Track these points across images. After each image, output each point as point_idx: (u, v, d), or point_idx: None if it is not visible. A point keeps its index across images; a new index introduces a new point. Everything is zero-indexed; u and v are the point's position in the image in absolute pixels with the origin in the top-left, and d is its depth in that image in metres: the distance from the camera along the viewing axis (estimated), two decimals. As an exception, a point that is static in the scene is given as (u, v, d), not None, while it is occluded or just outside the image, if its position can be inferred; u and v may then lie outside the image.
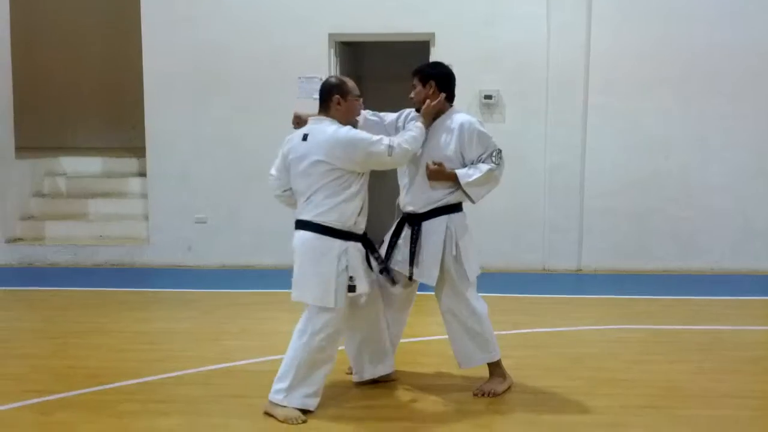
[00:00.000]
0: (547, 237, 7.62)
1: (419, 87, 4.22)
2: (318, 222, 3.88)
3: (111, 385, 4.34)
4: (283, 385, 3.90)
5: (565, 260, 7.60)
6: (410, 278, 4.17)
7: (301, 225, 3.96)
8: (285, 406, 3.89)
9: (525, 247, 7.62)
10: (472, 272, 4.20)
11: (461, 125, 4.12)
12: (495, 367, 4.27)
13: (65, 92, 9.48)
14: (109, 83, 9.36)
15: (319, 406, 3.97)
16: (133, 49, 7.91)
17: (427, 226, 4.12)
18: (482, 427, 3.82)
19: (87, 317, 5.89)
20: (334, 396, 4.17)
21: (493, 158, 4.11)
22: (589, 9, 7.41)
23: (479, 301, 4.24)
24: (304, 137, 3.95)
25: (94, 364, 4.75)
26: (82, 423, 3.84)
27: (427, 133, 4.11)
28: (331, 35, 7.62)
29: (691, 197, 7.53)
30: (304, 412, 3.89)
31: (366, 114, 4.26)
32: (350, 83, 4.08)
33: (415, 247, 4.11)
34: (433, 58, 7.57)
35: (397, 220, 4.27)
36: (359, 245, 3.98)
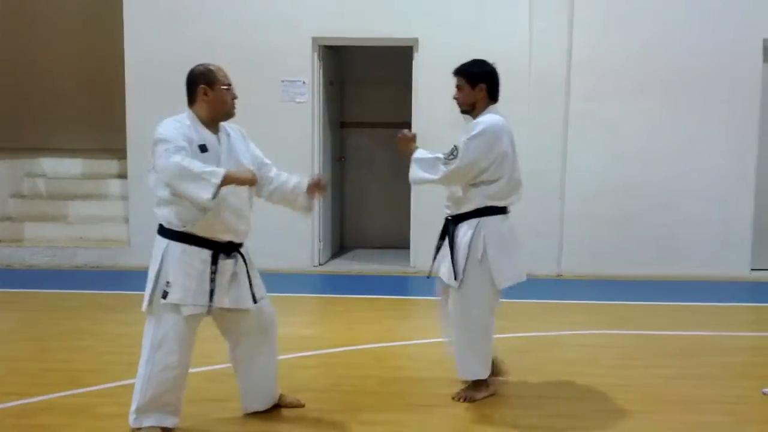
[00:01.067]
0: (527, 242, 7.63)
1: (467, 89, 4.13)
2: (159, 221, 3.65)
3: (91, 388, 4.32)
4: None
5: (545, 266, 7.64)
6: (428, 276, 4.19)
7: None
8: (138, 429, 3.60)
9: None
10: (500, 280, 4.08)
11: (476, 123, 4.07)
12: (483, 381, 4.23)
13: (45, 93, 9.39)
14: (90, 84, 9.29)
15: (298, 409, 3.96)
16: (115, 50, 7.87)
17: (458, 229, 4.10)
18: (463, 430, 3.83)
19: (66, 320, 5.84)
20: (316, 399, 4.17)
21: (451, 153, 4.02)
22: (571, 16, 7.48)
23: (492, 317, 4.16)
24: None
25: (73, 366, 4.72)
26: (62, 426, 3.82)
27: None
28: (314, 39, 7.63)
29: (672, 203, 7.61)
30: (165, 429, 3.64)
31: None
32: (219, 71, 3.68)
33: (451, 249, 4.07)
34: (416, 63, 7.63)
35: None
36: (190, 248, 3.55)
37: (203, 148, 3.57)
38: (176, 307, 3.55)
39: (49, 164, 8.91)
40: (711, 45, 7.46)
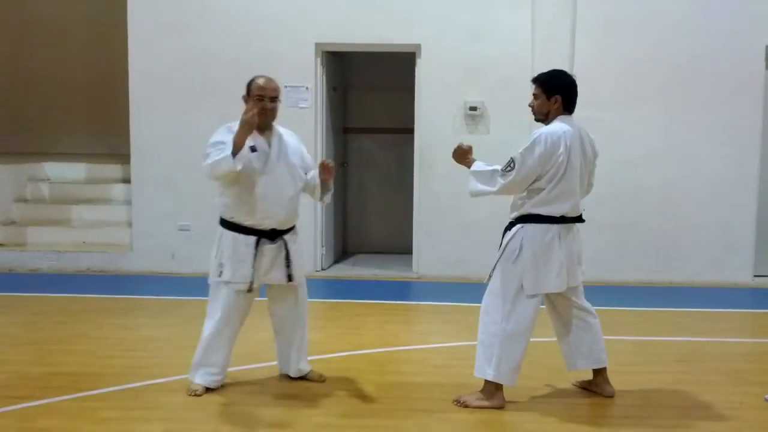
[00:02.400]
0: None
1: (542, 98, 4.19)
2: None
3: (92, 392, 4.32)
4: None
5: (547, 271, 7.64)
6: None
7: None
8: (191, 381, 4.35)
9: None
10: (529, 286, 4.11)
11: (534, 133, 4.12)
12: (490, 386, 4.18)
13: (49, 98, 9.44)
14: (93, 89, 9.33)
15: (300, 413, 3.97)
16: (119, 55, 7.90)
17: (507, 232, 4.23)
18: (464, 436, 3.84)
19: (68, 323, 5.86)
20: (316, 404, 4.18)
21: (508, 165, 4.09)
22: (573, 22, 7.50)
23: (511, 321, 4.12)
24: None
25: (75, 370, 4.73)
26: (63, 430, 3.82)
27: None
28: (317, 45, 7.66)
29: (673, 210, 7.61)
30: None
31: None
32: (257, 83, 4.27)
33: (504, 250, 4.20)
34: (419, 69, 7.65)
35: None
36: (238, 235, 4.21)
37: (253, 149, 4.17)
38: (227, 284, 4.24)
39: (53, 169, 8.93)
40: (713, 51, 7.47)
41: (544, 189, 4.09)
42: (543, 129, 4.11)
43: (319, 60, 7.71)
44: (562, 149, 4.05)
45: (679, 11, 7.48)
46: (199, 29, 7.68)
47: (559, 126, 4.12)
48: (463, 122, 7.60)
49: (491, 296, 4.19)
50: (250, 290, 4.23)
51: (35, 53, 9.44)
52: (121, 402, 4.22)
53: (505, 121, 7.58)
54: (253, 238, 4.21)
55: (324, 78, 7.80)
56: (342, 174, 8.80)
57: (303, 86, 7.60)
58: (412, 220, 7.89)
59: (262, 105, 4.20)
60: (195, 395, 4.26)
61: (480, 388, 4.23)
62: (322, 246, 7.96)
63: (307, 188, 4.46)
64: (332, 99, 8.16)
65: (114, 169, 8.82)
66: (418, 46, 7.62)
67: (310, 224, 7.57)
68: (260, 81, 4.27)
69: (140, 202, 7.83)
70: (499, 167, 4.14)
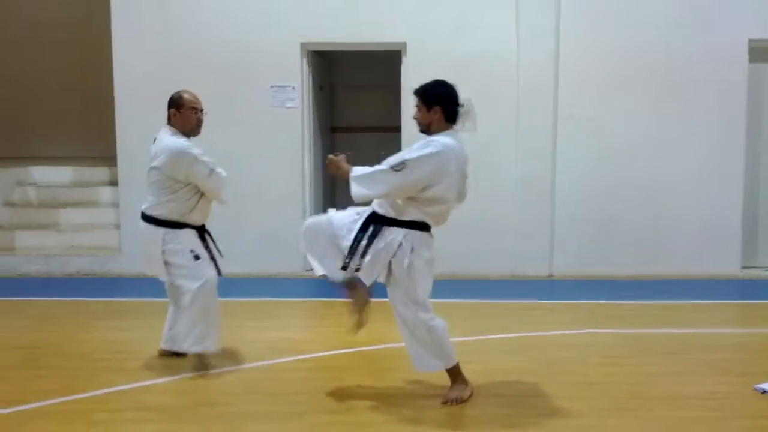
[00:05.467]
0: (518, 244, 7.72)
1: (423, 110, 4.18)
2: (148, 214, 4.76)
3: (84, 395, 4.33)
4: None
5: (536, 267, 7.70)
6: (343, 267, 4.15)
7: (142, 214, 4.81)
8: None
9: (496, 253, 7.71)
10: (423, 292, 4.17)
11: (430, 140, 4.11)
12: (455, 374, 4.29)
13: (34, 102, 9.40)
14: (79, 92, 9.29)
15: (292, 412, 4.00)
16: (104, 57, 7.89)
17: (386, 231, 4.12)
18: (453, 429, 3.88)
19: (58, 327, 5.86)
20: (304, 402, 4.21)
21: (399, 164, 4.04)
22: (558, 18, 7.55)
23: (432, 318, 4.20)
24: (155, 140, 4.80)
25: (66, 373, 4.74)
26: (55, 433, 3.84)
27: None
28: (303, 44, 7.67)
29: (661, 203, 7.68)
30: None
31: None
32: (187, 97, 4.75)
33: (370, 244, 4.11)
34: (404, 67, 7.69)
35: (365, 216, 4.23)
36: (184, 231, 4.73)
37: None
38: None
39: (40, 173, 8.91)
40: (697, 46, 7.53)
41: (437, 203, 4.11)
42: (440, 140, 4.09)
43: (305, 59, 7.72)
44: (453, 165, 4.09)
45: (662, 5, 7.54)
46: (184, 31, 7.68)
47: (451, 141, 4.13)
48: (449, 120, 7.62)
49: (406, 306, 4.15)
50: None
51: (20, 58, 9.40)
52: (114, 404, 4.24)
53: (492, 118, 7.63)
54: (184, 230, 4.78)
55: (310, 77, 7.81)
56: (329, 173, 8.80)
57: (289, 86, 7.62)
58: (400, 218, 7.91)
59: (198, 117, 4.76)
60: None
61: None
62: (311, 245, 7.96)
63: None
64: (319, 98, 8.18)
65: (101, 172, 8.80)
66: (404, 44, 7.65)
67: (299, 224, 7.57)
68: (187, 96, 4.77)
69: (128, 204, 7.81)
70: (386, 167, 4.08)
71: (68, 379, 4.62)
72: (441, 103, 4.15)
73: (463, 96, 7.41)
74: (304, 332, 5.74)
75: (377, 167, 4.12)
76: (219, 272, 4.80)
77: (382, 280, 4.19)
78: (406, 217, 4.12)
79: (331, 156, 4.24)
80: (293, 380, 4.61)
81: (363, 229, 4.17)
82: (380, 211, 4.19)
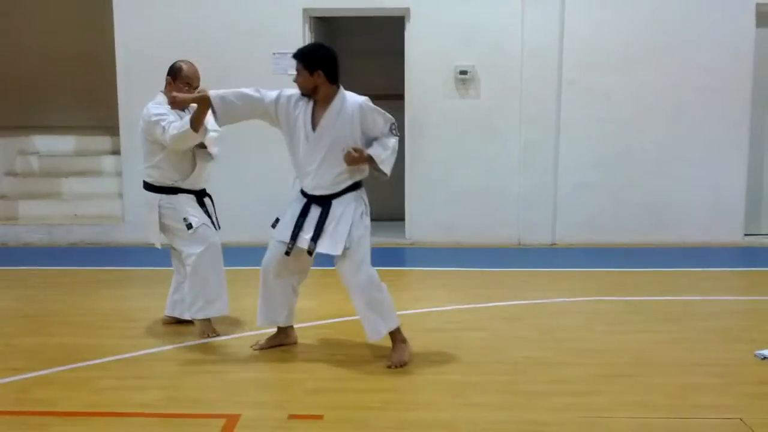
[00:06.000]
0: (521, 212, 7.69)
1: (305, 74, 4.19)
2: (145, 181, 4.79)
3: (88, 363, 4.34)
4: None
5: (539, 234, 7.68)
6: (310, 253, 4.22)
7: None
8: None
9: (500, 221, 7.69)
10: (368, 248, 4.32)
11: (360, 107, 4.20)
12: (396, 334, 4.35)
13: (36, 71, 9.35)
14: (80, 62, 9.23)
15: (293, 378, 4.00)
16: (106, 26, 7.82)
17: (337, 203, 4.22)
18: (456, 396, 3.87)
19: (62, 296, 5.87)
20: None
21: (393, 131, 4.26)
22: (563, -16, 7.44)
23: (375, 270, 4.31)
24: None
25: (70, 341, 4.75)
26: (60, 400, 3.85)
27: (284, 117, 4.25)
28: (305, 10, 7.58)
29: (664, 171, 7.63)
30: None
31: (247, 90, 4.25)
32: (185, 70, 4.71)
33: (323, 225, 4.19)
34: (408, 34, 7.60)
35: (303, 202, 4.30)
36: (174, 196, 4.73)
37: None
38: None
39: (42, 142, 8.88)
40: (704, 11, 7.43)
41: None
42: (360, 99, 4.26)
43: (307, 26, 7.64)
44: None
45: (669, -29, 7.43)
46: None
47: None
48: (453, 87, 7.56)
49: (365, 267, 4.23)
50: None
51: (21, 28, 9.34)
52: (118, 371, 4.25)
53: (496, 85, 7.56)
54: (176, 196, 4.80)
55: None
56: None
57: (291, 53, 7.50)
58: (404, 187, 7.89)
59: (188, 91, 4.58)
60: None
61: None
62: (315, 214, 7.94)
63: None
64: (321, 66, 8.08)
65: (103, 141, 8.76)
66: (407, 9, 7.55)
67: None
68: (186, 69, 4.73)
69: (131, 173, 7.75)
70: (391, 140, 4.26)
71: (72, 347, 4.64)
72: (322, 66, 4.19)
73: (466, 63, 7.50)
74: (307, 300, 5.72)
75: (388, 141, 4.25)
76: None
77: (338, 252, 4.18)
78: (351, 182, 4.26)
79: (355, 153, 4.16)
80: (297, 348, 4.61)
81: (303, 214, 4.26)
82: (319, 192, 4.24)
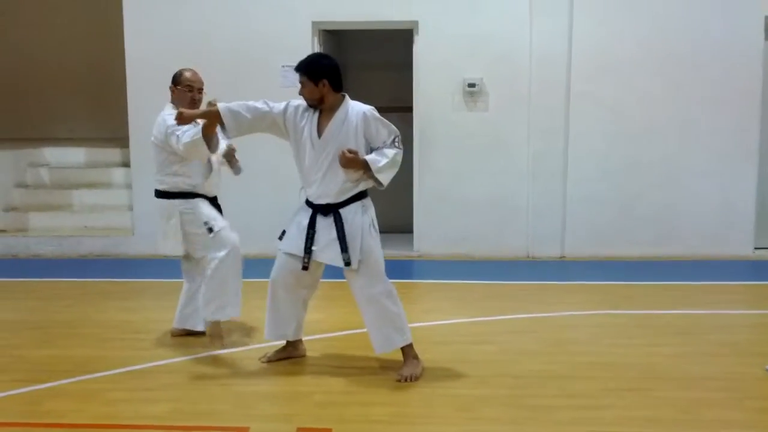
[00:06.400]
0: (530, 224, 7.69)
1: (311, 85, 4.20)
2: (160, 189, 4.84)
3: (98, 374, 4.36)
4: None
5: (548, 247, 7.67)
6: (347, 264, 4.20)
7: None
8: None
9: (508, 234, 7.69)
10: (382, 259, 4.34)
11: (364, 115, 4.21)
12: (409, 350, 4.36)
13: (47, 83, 9.39)
14: (91, 73, 9.27)
15: (302, 391, 4.01)
16: (116, 38, 7.88)
17: (345, 213, 4.23)
18: (464, 410, 3.87)
19: (72, 308, 5.90)
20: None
21: (396, 143, 4.26)
22: (572, -4, 7.46)
23: (390, 282, 4.33)
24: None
25: (80, 353, 4.77)
26: (70, 412, 3.86)
27: (305, 126, 4.23)
28: (314, 23, 7.63)
29: (673, 183, 7.62)
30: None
31: (255, 103, 4.25)
32: (185, 75, 4.80)
33: (342, 233, 4.20)
34: (416, 47, 7.64)
35: (309, 213, 4.31)
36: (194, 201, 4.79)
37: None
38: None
39: (53, 154, 8.94)
40: (712, 23, 7.43)
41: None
42: (364, 107, 4.25)
43: (316, 39, 7.68)
44: None
45: (677, -17, 7.44)
46: (195, 11, 7.66)
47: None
48: (461, 99, 7.59)
49: (383, 279, 4.27)
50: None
51: (32, 39, 9.39)
52: (127, 383, 4.27)
53: (504, 97, 7.58)
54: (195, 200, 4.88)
55: (321, 57, 7.76)
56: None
57: (300, 66, 7.57)
58: (412, 199, 7.90)
59: (192, 96, 4.75)
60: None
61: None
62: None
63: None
64: (330, 78, 8.12)
65: (113, 153, 8.82)
66: (416, 22, 7.59)
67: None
68: (186, 74, 4.81)
69: (141, 185, 7.82)
70: (391, 151, 4.22)
71: (82, 359, 4.66)
72: (326, 75, 4.20)
73: (474, 75, 7.52)
74: (315, 313, 5.73)
75: (388, 151, 4.22)
76: None
77: (354, 265, 4.20)
78: (355, 191, 4.26)
79: (349, 155, 4.15)
80: (305, 360, 4.61)
81: (312, 225, 4.27)
82: (324, 201, 4.25)
